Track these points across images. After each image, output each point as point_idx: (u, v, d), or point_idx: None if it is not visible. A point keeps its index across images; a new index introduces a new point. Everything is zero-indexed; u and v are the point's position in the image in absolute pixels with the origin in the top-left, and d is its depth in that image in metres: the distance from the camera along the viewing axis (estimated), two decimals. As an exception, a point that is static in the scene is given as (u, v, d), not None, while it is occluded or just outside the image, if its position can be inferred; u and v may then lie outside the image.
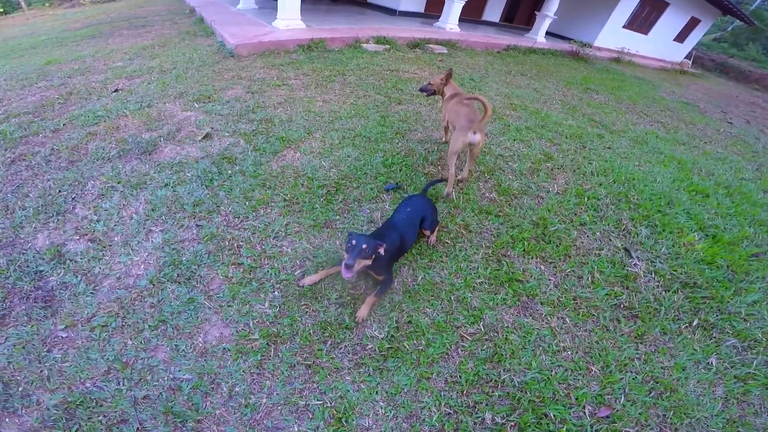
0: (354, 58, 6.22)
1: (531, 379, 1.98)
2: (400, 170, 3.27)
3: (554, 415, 1.85)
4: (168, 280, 2.27)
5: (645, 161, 4.22)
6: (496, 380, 1.97)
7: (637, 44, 14.78)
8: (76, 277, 2.27)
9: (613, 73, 8.56)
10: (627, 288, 2.52)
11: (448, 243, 2.67)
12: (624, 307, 2.41)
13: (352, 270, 1.92)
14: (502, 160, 3.60)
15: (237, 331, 2.07)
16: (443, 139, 3.79)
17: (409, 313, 2.22)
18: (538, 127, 4.47)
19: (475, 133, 2.87)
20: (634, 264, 2.72)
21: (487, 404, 1.89)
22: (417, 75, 5.70)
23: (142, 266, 2.36)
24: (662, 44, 16.45)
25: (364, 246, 1.96)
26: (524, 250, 2.67)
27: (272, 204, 2.84)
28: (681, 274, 2.68)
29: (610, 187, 3.50)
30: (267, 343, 2.02)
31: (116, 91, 4.54)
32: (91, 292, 2.19)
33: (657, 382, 2.02)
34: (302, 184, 3.03)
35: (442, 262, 2.54)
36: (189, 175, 3.07)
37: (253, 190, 2.94)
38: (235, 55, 5.84)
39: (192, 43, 6.67)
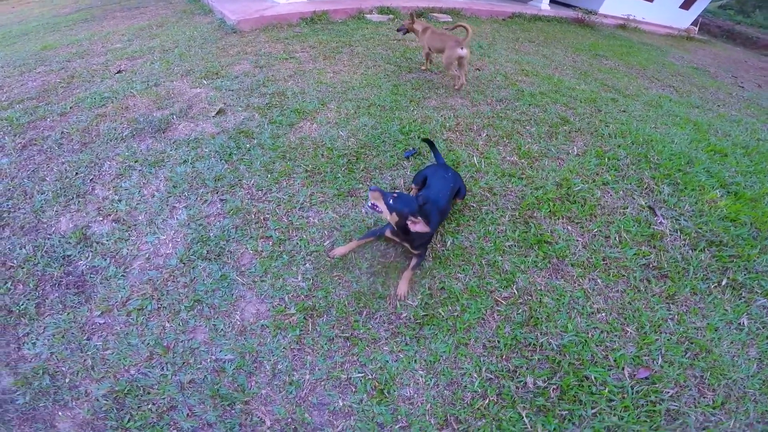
0: (359, 29, 5.84)
1: (568, 341, 1.87)
2: (418, 137, 3.05)
3: (595, 377, 1.75)
4: (198, 258, 2.14)
5: (661, 123, 3.97)
6: (534, 344, 1.86)
7: (642, 11, 13.96)
8: (105, 259, 2.14)
9: (620, 40, 8.08)
10: (654, 247, 2.37)
11: (474, 207, 2.50)
12: (653, 267, 2.26)
13: (370, 205, 1.85)
14: (519, 125, 3.38)
15: (273, 307, 1.95)
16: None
17: (441, 279, 2.08)
18: (552, 92, 4.21)
19: (462, 48, 3.64)
20: (660, 222, 2.55)
21: (527, 368, 1.78)
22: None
23: (170, 245, 2.23)
24: (668, 11, 15.54)
25: (403, 209, 1.81)
26: (550, 211, 2.50)
27: (294, 175, 2.66)
28: (706, 232, 2.51)
29: (628, 148, 3.29)
30: (304, 318, 1.91)
31: (119, 72, 4.28)
32: (122, 275, 2.07)
33: (692, 343, 1.90)
34: (322, 155, 2.84)
35: (469, 226, 2.39)
36: (207, 150, 2.89)
37: (274, 163, 2.75)
38: (237, 31, 5.48)
39: (190, 21, 6.27)
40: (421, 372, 1.76)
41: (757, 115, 5.12)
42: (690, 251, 2.38)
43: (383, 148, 2.92)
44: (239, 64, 4.37)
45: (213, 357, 1.77)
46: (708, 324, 1.99)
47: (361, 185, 2.61)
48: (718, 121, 4.48)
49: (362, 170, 2.72)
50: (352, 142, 2.96)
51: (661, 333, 1.94)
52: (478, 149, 2.98)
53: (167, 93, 3.72)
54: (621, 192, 2.76)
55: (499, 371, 1.77)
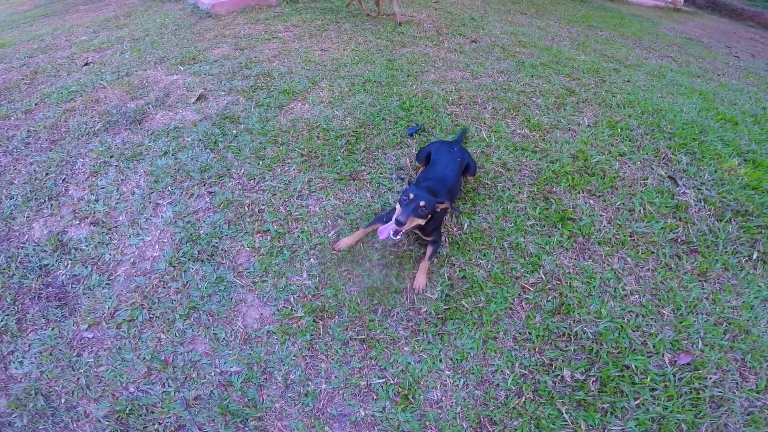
0: (344, 5, 5.45)
1: (604, 328, 1.69)
2: (420, 113, 2.78)
3: (635, 366, 1.58)
4: (189, 259, 1.90)
5: (667, 93, 3.78)
6: (568, 333, 1.67)
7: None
8: (86, 267, 1.90)
9: (611, 11, 7.78)
10: (680, 219, 2.19)
11: (488, 184, 2.27)
12: (682, 241, 2.08)
13: (403, 228, 1.51)
14: (525, 96, 3.13)
15: (278, 310, 1.72)
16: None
17: (461, 267, 1.86)
18: (553, 63, 3.96)
19: None
20: (683, 192, 2.37)
21: (563, 360, 1.60)
22: (414, 17, 5.00)
23: (157, 246, 1.98)
24: (654, -18, 15.27)
25: (422, 203, 1.54)
26: (570, 185, 2.29)
27: (288, 161, 2.38)
28: (731, 201, 2.35)
29: (639, 118, 3.09)
30: (313, 320, 1.68)
31: (87, 64, 3.90)
32: (106, 283, 1.84)
33: (730, 324, 1.75)
34: (318, 137, 2.55)
35: (486, 205, 2.16)
36: (189, 139, 2.59)
37: (265, 148, 2.46)
38: (212, 15, 5.07)
39: (160, 9, 5.81)
40: (448, 372, 1.56)
41: (758, 84, 4.99)
42: (716, 222, 2.22)
43: (384, 126, 2.65)
44: (218, 47, 4.01)
45: (217, 370, 1.58)
46: (743, 303, 1.83)
47: (363, 167, 2.35)
48: (722, 90, 4.32)
49: (363, 151, 2.45)
50: (349, 122, 2.67)
51: (697, 314, 1.78)
52: (485, 123, 2.73)
53: (140, 82, 3.39)
54: (639, 162, 2.56)
55: (534, 365, 1.58)
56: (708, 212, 2.27)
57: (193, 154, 2.46)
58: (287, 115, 2.77)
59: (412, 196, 1.55)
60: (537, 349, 1.62)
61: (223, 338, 1.66)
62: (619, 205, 2.22)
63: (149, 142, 2.60)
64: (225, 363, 1.59)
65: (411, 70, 3.39)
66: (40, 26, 5.83)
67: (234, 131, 2.61)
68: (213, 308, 1.74)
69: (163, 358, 1.59)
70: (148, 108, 2.97)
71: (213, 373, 1.57)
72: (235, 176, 2.28)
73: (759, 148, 2.91)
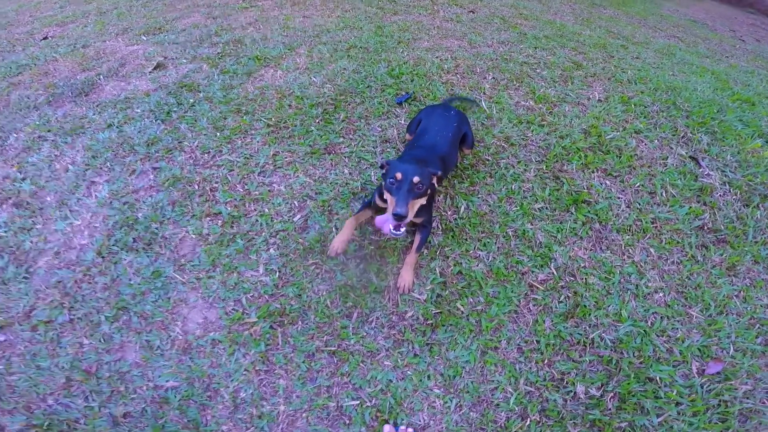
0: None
1: (625, 334, 1.39)
2: (412, 80, 2.40)
3: (660, 378, 1.31)
4: (122, 248, 1.58)
5: (679, 71, 3.47)
6: (583, 341, 1.36)
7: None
8: (2, 257, 1.58)
9: (613, -11, 7.44)
10: (706, 204, 1.89)
11: (489, 160, 1.92)
12: (708, 229, 1.78)
13: (405, 221, 1.19)
14: (529, 67, 2.76)
15: (226, 313, 1.40)
16: None
17: (455, 260, 1.52)
18: (557, 36, 3.59)
19: None
20: (707, 174, 2.07)
21: (577, 374, 1.31)
22: (407, -12, 4.56)
23: (86, 232, 1.66)
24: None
25: (415, 179, 1.22)
26: (583, 164, 1.95)
27: (252, 132, 1.99)
28: (758, 185, 2.06)
29: (653, 94, 2.76)
30: (270, 326, 1.36)
31: (45, 38, 3.52)
32: (24, 277, 1.54)
33: (762, 326, 1.49)
34: (289, 105, 2.15)
35: (487, 185, 1.81)
36: (138, 111, 2.25)
37: (225, 118, 2.07)
38: (190, -16, 4.57)
39: None
40: (438, 391, 1.25)
41: (767, 67, 4.72)
42: (743, 208, 1.93)
43: (369, 93, 2.26)
44: (189, 17, 3.58)
45: (151, 384, 1.30)
46: (776, 301, 1.55)
47: (341, 139, 1.97)
48: (733, 71, 4.04)
49: (343, 121, 2.07)
50: (328, 89, 2.27)
51: (728, 315, 1.51)
52: (485, 93, 2.35)
53: (96, 53, 3.01)
54: (656, 141, 2.24)
55: (542, 381, 1.28)
56: (734, 196, 1.99)
57: (141, 126, 2.11)
58: (256, 82, 2.36)
59: (399, 175, 1.23)
60: (546, 361, 1.31)
61: (158, 346, 1.36)
62: (639, 186, 1.90)
63: (93, 115, 2.27)
64: (159, 376, 1.32)
65: (402, 37, 2.98)
66: (4, 4, 5.33)
67: (191, 100, 2.22)
68: (147, 309, 1.43)
69: (84, 367, 1.34)
70: (99, 79, 2.61)
71: (145, 388, 1.29)
72: (187, 150, 1.90)
73: (780, 130, 2.65)
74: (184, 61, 2.71)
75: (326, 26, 3.18)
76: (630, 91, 2.76)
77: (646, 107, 2.58)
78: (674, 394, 1.29)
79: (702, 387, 1.30)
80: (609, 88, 2.75)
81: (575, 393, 1.27)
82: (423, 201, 1.29)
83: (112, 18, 3.78)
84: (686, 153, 2.23)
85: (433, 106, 1.85)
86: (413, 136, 1.74)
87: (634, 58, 3.57)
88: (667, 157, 2.16)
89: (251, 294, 1.42)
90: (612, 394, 1.28)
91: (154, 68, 2.64)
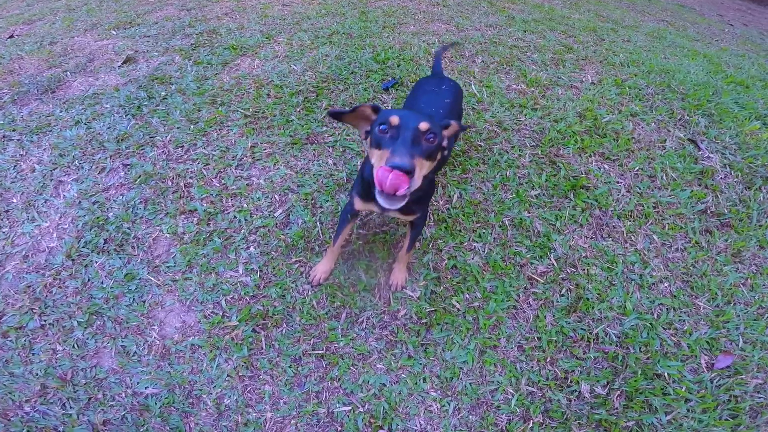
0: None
1: (630, 328, 1.32)
2: (398, 65, 2.28)
3: (668, 374, 1.25)
4: (93, 250, 1.48)
5: (671, 54, 3.42)
6: (587, 337, 1.28)
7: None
8: None
9: (599, -25, 7.38)
10: (707, 187, 1.84)
11: (481, 146, 1.82)
12: (711, 213, 1.73)
13: (410, 182, 0.78)
14: (518, 51, 2.66)
15: (205, 317, 1.30)
16: None
17: (449, 253, 1.43)
18: (546, 19, 3.51)
19: None
20: (707, 157, 2.02)
21: (581, 372, 1.23)
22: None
23: (55, 234, 1.56)
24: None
25: (423, 126, 0.85)
26: (579, 147, 1.87)
27: (228, 123, 1.86)
28: (759, 167, 2.01)
29: (647, 77, 2.69)
30: (253, 330, 1.27)
31: (11, 37, 3.34)
32: None
33: None
34: (268, 94, 2.02)
35: (480, 172, 1.72)
36: (107, 106, 2.11)
37: (199, 110, 1.94)
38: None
39: None
40: (434, 394, 1.16)
41: (757, 51, 4.73)
42: (745, 190, 1.88)
43: (353, 80, 2.13)
44: (161, 10, 3.40)
45: (129, 391, 1.23)
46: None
47: (324, 128, 1.85)
48: (725, 54, 4.01)
49: (326, 108, 1.94)
50: (309, 77, 2.14)
51: (735, 304, 1.45)
52: (474, 77, 2.25)
53: (63, 50, 2.85)
54: (653, 124, 2.18)
55: (544, 380, 1.21)
56: (735, 179, 1.93)
57: (111, 121, 1.98)
58: (232, 72, 2.21)
59: (396, 119, 0.86)
60: (548, 360, 1.23)
61: (135, 352, 1.27)
62: (638, 170, 1.83)
63: (60, 112, 2.14)
64: (138, 383, 1.23)
65: (388, 22, 2.85)
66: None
67: (163, 93, 2.08)
68: (121, 313, 1.33)
69: (59, 374, 1.29)
70: (65, 75, 2.46)
71: (124, 395, 1.23)
72: (159, 144, 1.76)
73: (775, 112, 2.61)
74: (156, 53, 2.56)
75: (307, 13, 3.04)
76: (623, 74, 2.68)
77: (640, 90, 2.51)
78: (683, 390, 1.22)
79: (712, 382, 1.25)
80: (602, 71, 2.67)
81: (580, 392, 1.20)
82: (431, 164, 0.90)
83: (81, 14, 3.61)
84: (684, 136, 2.16)
85: (424, 78, 1.64)
86: None
87: (625, 41, 3.51)
88: (666, 139, 2.09)
89: (231, 296, 1.32)
90: (618, 392, 1.21)
91: (124, 62, 2.50)
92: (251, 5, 3.35)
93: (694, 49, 3.83)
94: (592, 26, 3.64)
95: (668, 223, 1.64)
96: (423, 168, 0.85)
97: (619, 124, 2.11)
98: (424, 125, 0.85)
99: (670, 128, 2.20)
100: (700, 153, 2.08)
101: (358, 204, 1.15)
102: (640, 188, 1.75)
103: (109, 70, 2.47)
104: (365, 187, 1.09)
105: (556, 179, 1.70)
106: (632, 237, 1.56)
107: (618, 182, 1.76)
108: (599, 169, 1.79)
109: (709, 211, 1.74)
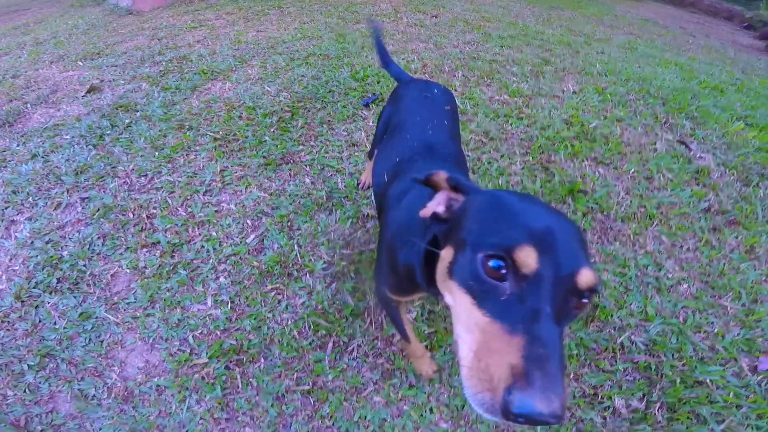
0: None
1: (657, 334, 1.23)
2: (378, 82, 2.30)
3: (710, 380, 1.16)
4: (45, 290, 1.38)
5: (644, 64, 3.61)
6: (612, 347, 1.18)
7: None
8: None
9: (568, -5, 7.98)
10: (705, 186, 1.84)
11: (469, 156, 1.79)
12: (715, 211, 1.71)
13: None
14: (498, 65, 2.74)
15: (170, 355, 1.18)
16: None
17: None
18: (521, 35, 3.68)
19: None
20: (700, 157, 2.04)
21: (611, 385, 1.13)
22: None
23: (4, 277, 1.46)
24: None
25: (590, 282, 0.46)
26: (571, 153, 1.87)
27: (196, 147, 1.79)
28: (752, 164, 2.04)
29: (626, 85, 2.80)
30: (226, 366, 1.13)
31: None
32: None
33: None
34: (239, 116, 1.97)
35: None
36: (67, 137, 2.05)
37: (165, 136, 1.87)
38: (134, 12, 4.50)
39: (77, 12, 5.21)
40: (445, 425, 1.05)
41: (722, 59, 5.06)
42: (744, 187, 1.89)
43: (331, 98, 2.12)
44: (131, 41, 3.43)
45: None
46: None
47: (301, 147, 1.79)
48: (695, 63, 4.27)
49: (302, 127, 1.90)
50: (284, 97, 2.11)
51: (762, 302, 1.39)
52: (456, 90, 2.27)
53: (26, 82, 2.83)
54: (640, 128, 2.22)
55: (571, 399, 1.09)
56: (732, 177, 1.95)
57: (70, 153, 1.91)
58: (201, 96, 2.18)
59: (534, 260, 0.44)
60: (572, 375, 1.12)
61: (93, 395, 1.16)
62: (634, 172, 1.82)
63: (17, 146, 2.07)
64: (100, 429, 1.12)
65: (366, 42, 2.92)
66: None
67: (127, 121, 2.02)
68: (76, 355, 1.22)
69: (11, 420, 1.22)
70: (25, 108, 2.41)
71: None
72: (121, 174, 1.67)
73: (754, 113, 2.75)
74: (122, 82, 2.53)
75: (282, 38, 3.09)
76: (602, 83, 2.78)
77: (621, 96, 2.60)
78: (731, 396, 1.13)
79: (760, 385, 1.17)
80: (581, 81, 2.76)
81: (614, 408, 1.09)
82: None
83: (48, 47, 3.61)
84: (673, 138, 2.22)
85: (406, 86, 1.24)
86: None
87: (599, 53, 3.69)
88: (655, 142, 2.13)
89: (199, 331, 1.19)
90: (659, 404, 1.11)
91: (88, 92, 2.46)
92: (224, 32, 3.42)
93: (665, 58, 4.06)
94: (566, 41, 3.83)
95: (674, 224, 1.61)
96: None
97: (607, 129, 2.13)
98: (586, 277, 0.45)
99: (657, 131, 2.25)
100: (691, 153, 2.11)
101: (400, 297, 0.87)
102: (639, 190, 1.74)
103: (72, 101, 2.44)
104: (401, 281, 0.77)
105: (552, 185, 1.66)
106: (640, 239, 1.51)
107: (615, 185, 1.74)
108: (594, 172, 1.78)
109: (712, 209, 1.73)
